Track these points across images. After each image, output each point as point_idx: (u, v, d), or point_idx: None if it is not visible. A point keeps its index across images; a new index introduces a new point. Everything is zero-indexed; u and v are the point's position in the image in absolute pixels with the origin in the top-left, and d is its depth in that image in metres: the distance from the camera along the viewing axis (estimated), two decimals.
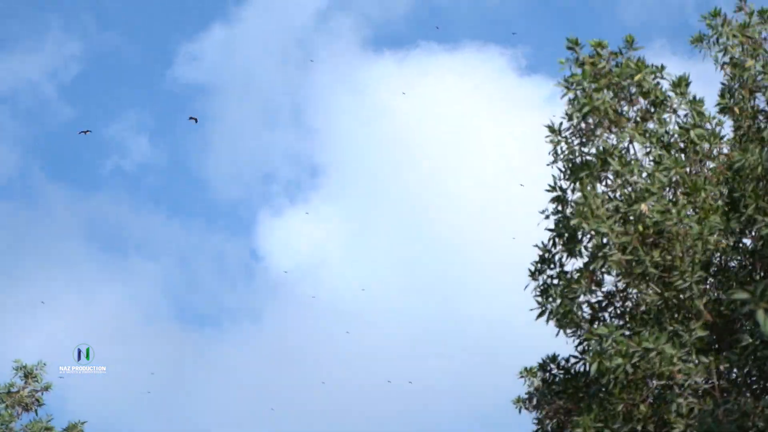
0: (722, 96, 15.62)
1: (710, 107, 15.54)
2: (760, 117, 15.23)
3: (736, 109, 15.37)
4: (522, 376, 16.27)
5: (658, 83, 15.32)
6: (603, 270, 14.68)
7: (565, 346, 15.69)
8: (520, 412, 16.25)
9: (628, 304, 15.25)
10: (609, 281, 15.12)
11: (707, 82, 15.83)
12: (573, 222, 14.56)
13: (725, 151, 15.13)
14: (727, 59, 15.67)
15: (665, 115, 15.32)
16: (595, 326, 14.81)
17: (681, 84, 15.43)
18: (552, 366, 16.10)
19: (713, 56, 15.68)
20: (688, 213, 14.41)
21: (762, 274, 14.49)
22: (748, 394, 14.14)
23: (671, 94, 15.37)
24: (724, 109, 15.60)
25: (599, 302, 15.47)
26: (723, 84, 15.74)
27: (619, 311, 15.37)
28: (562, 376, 15.93)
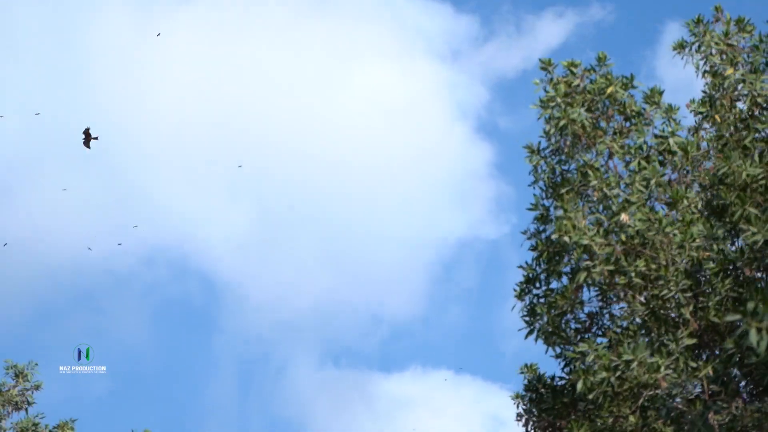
0: (703, 104, 15.60)
1: (689, 115, 15.61)
2: (741, 125, 15.21)
3: (717, 117, 15.35)
4: (514, 400, 16.30)
5: (632, 95, 15.36)
6: (588, 282, 14.71)
7: (551, 362, 15.81)
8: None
9: (614, 320, 15.29)
10: (593, 298, 15.24)
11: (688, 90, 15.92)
12: (554, 236, 14.60)
13: (707, 159, 15.17)
14: (707, 67, 15.68)
15: (642, 128, 15.36)
16: (578, 345, 14.90)
17: (654, 95, 15.46)
18: (538, 386, 16.09)
19: (694, 64, 15.67)
20: (671, 221, 14.44)
21: (745, 283, 14.58)
22: (738, 400, 14.24)
23: (645, 106, 15.40)
24: (705, 117, 15.58)
25: (584, 322, 15.54)
26: (704, 92, 15.73)
27: (603, 329, 15.42)
28: (549, 394, 15.91)
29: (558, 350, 15.54)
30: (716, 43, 15.43)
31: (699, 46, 15.61)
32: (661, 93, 15.47)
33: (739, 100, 15.41)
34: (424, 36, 61.86)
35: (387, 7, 62.10)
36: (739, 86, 15.39)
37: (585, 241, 14.32)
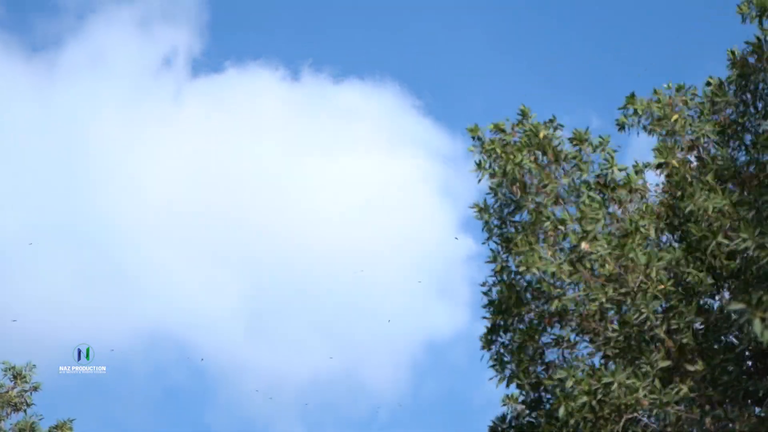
0: (660, 154, 15.83)
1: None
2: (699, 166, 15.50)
3: (675, 162, 15.63)
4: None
5: (561, 138, 15.59)
6: (558, 309, 14.87)
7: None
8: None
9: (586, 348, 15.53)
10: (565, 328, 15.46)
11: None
12: (520, 269, 14.65)
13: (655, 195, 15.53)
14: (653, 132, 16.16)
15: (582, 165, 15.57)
16: (553, 372, 15.14)
17: (580, 135, 15.65)
18: (503, 426, 16.11)
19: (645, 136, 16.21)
20: (632, 247, 14.63)
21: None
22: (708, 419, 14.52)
23: (576, 147, 15.61)
24: (660, 165, 15.80)
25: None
26: (656, 150, 15.93)
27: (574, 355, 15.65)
28: None
29: (533, 395, 15.67)
30: (652, 127, 16.00)
31: (639, 120, 16.13)
32: (586, 131, 15.64)
33: (692, 148, 15.81)
34: (417, 143, 62.63)
35: (383, 112, 62.60)
36: (688, 129, 15.70)
37: (553, 269, 14.48)
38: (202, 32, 63.35)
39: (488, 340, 15.79)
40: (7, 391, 24.77)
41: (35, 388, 25.13)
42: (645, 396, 14.13)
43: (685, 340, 14.54)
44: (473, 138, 15.60)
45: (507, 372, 15.50)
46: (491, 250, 15.60)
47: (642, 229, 14.71)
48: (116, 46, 61.69)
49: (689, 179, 15.20)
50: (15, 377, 25.02)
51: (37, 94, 61.05)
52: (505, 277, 15.47)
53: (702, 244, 14.57)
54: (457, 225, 59.93)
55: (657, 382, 14.22)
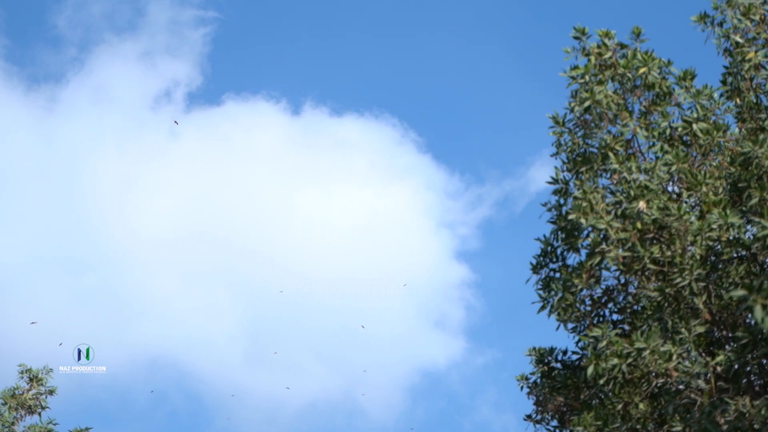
0: (723, 83, 15.38)
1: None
2: (763, 115, 14.93)
3: (738, 100, 15.12)
4: (519, 381, 16.08)
5: (664, 77, 15.12)
6: (601, 266, 14.50)
7: (563, 339, 15.62)
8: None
9: (629, 299, 15.02)
10: (610, 275, 14.95)
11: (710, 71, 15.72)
12: (571, 217, 14.37)
13: (730, 145, 14.85)
14: (729, 45, 15.47)
15: (669, 108, 15.13)
16: (591, 328, 14.61)
17: (686, 78, 15.25)
18: (550, 359, 15.95)
19: (715, 41, 15.50)
20: (689, 209, 14.17)
21: (761, 269, 14.26)
22: (744, 395, 13.85)
23: (676, 87, 15.18)
24: (728, 97, 15.32)
25: (600, 297, 15.24)
26: (725, 68, 15.50)
27: (619, 306, 15.15)
28: (561, 370, 15.81)
29: (570, 327, 15.39)
30: (738, 20, 15.22)
31: (721, 22, 15.44)
32: (694, 76, 15.26)
33: (760, 90, 15.17)
34: (416, 176, 64.74)
35: (382, 146, 64.52)
36: (763, 61, 15.17)
37: (602, 226, 14.10)
38: (204, 66, 64.63)
39: (538, 263, 15.56)
40: (23, 393, 24.43)
41: (51, 392, 24.76)
42: (677, 365, 13.50)
43: (726, 301, 13.94)
44: (577, 39, 15.28)
45: (551, 301, 15.18)
46: (555, 168, 15.37)
47: (704, 186, 14.22)
48: (118, 79, 63.59)
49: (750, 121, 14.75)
50: (31, 380, 24.69)
51: (38, 125, 62.97)
52: (564, 201, 15.07)
53: (746, 193, 14.06)
54: (453, 254, 60.08)
55: (692, 350, 13.61)
